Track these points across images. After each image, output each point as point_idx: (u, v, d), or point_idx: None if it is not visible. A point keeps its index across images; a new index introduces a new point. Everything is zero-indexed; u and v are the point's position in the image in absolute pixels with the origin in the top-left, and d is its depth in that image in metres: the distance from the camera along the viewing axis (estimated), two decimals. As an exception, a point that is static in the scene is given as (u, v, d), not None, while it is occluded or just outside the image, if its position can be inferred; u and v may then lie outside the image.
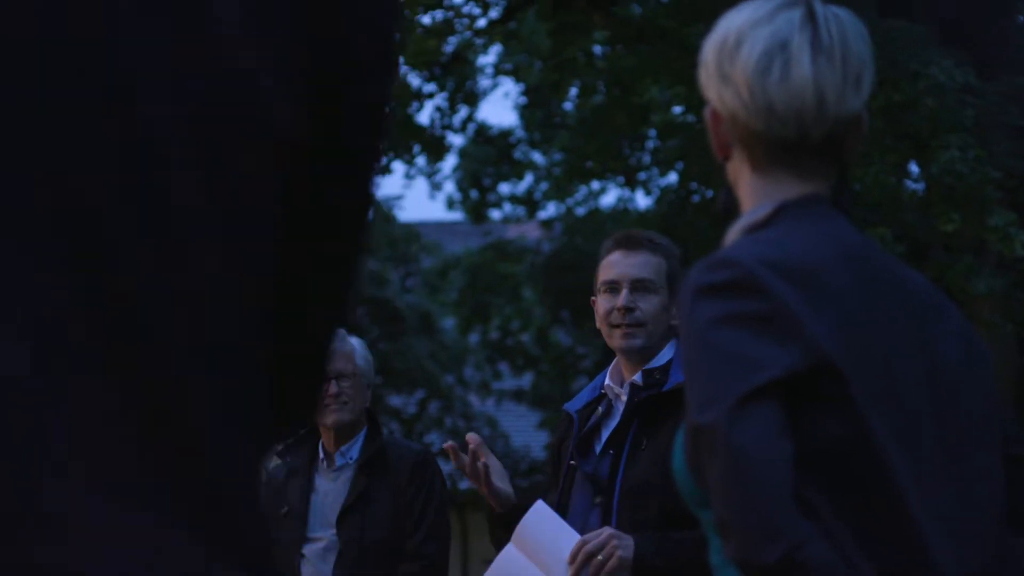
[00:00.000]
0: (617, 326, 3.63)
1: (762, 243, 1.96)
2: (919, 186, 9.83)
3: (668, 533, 3.43)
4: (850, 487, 1.87)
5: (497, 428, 17.72)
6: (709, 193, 13.35)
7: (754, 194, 2.04)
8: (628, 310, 3.62)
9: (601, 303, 3.69)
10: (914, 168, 9.73)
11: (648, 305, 3.63)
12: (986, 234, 8.46)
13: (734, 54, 2.01)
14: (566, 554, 3.42)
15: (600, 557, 3.39)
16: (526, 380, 18.06)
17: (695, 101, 11.14)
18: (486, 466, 3.67)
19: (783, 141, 2.00)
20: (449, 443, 3.79)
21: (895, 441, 1.89)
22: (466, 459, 3.70)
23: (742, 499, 1.81)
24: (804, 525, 1.81)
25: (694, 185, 14.06)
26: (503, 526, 3.64)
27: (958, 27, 9.23)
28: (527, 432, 18.20)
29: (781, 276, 1.89)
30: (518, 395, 17.88)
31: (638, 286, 3.64)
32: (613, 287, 3.67)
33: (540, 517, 3.53)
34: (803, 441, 1.85)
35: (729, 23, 2.04)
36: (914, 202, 9.52)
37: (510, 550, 3.56)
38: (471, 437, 3.73)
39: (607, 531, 3.43)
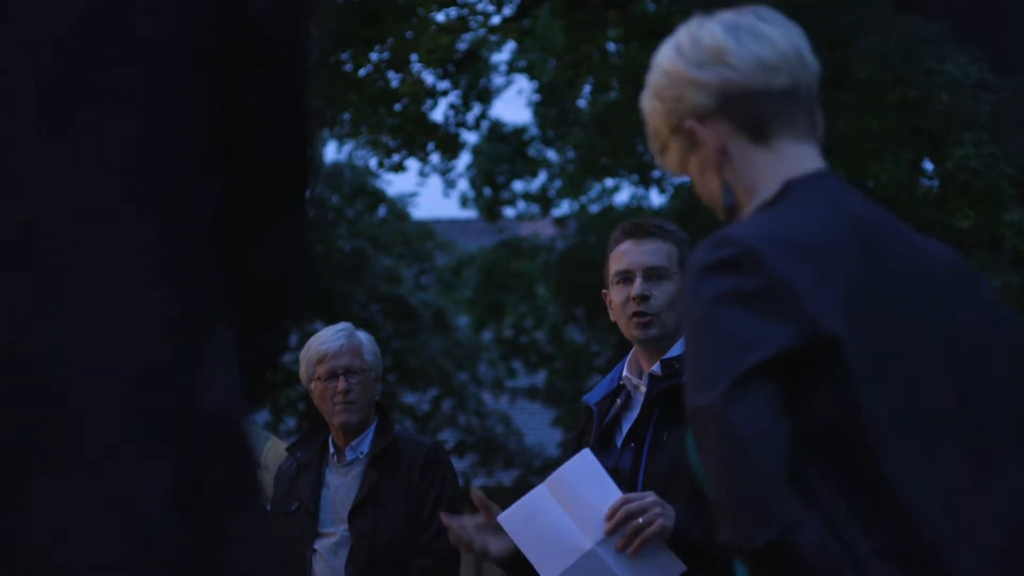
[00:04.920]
0: (633, 316, 3.58)
1: (768, 220, 1.96)
2: (933, 182, 9.79)
3: (703, 511, 3.34)
4: (847, 464, 1.85)
5: (511, 425, 17.69)
6: (723, 190, 13.29)
7: (763, 174, 2.02)
8: (643, 298, 3.56)
9: (615, 294, 3.63)
10: (928, 165, 9.70)
11: (662, 293, 3.58)
12: (1001, 230, 8.42)
13: (697, 44, 2.01)
14: (604, 509, 3.27)
15: (640, 520, 3.26)
16: (540, 377, 18.02)
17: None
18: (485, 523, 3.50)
19: (780, 94, 1.99)
20: (477, 495, 3.53)
21: (905, 416, 1.87)
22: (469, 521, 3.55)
23: (734, 481, 1.79)
24: (797, 508, 1.78)
25: (708, 182, 14.02)
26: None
27: (973, 23, 9.19)
28: (541, 430, 18.18)
29: (785, 252, 1.87)
30: (532, 392, 17.84)
31: (651, 274, 3.59)
32: (626, 277, 3.61)
33: (584, 466, 3.36)
34: (802, 417, 1.83)
35: (668, 45, 2.07)
36: (928, 198, 9.48)
37: (542, 491, 3.37)
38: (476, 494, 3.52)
39: (651, 496, 3.31)
